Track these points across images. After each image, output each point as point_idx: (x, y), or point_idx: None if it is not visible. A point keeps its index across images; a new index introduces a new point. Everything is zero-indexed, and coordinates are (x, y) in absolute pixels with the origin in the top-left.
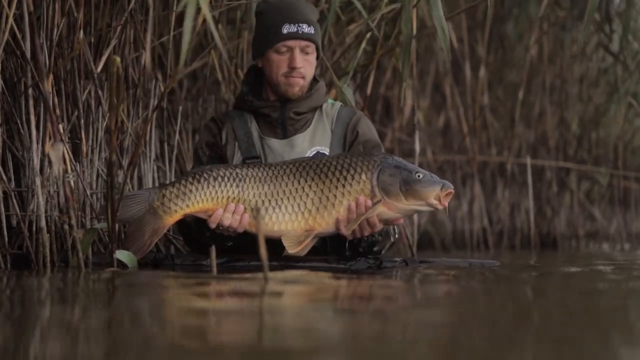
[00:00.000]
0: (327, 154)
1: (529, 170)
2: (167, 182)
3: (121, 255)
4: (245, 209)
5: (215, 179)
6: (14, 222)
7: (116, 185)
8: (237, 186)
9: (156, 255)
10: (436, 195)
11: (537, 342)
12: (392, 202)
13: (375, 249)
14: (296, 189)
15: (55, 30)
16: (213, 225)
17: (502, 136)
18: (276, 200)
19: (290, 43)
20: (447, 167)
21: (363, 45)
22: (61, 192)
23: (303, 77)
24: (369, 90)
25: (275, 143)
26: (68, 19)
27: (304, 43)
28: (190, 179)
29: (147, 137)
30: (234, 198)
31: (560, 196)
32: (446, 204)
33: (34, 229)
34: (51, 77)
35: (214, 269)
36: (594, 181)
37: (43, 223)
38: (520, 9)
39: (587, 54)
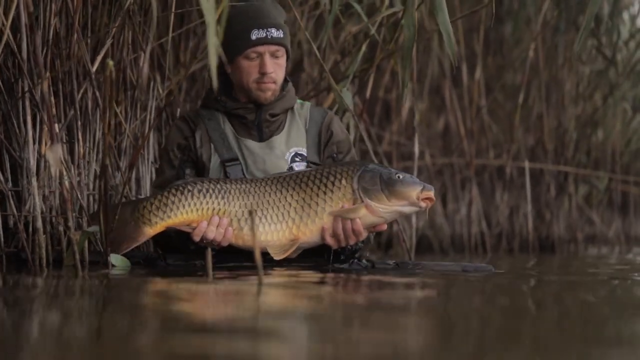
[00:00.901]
0: (305, 154)
1: (527, 173)
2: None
3: (115, 259)
4: (230, 222)
5: (200, 191)
6: (11, 223)
7: (114, 187)
8: (223, 198)
9: (149, 255)
10: (417, 194)
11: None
12: (375, 203)
13: (356, 255)
14: (279, 198)
15: (52, 30)
16: (197, 238)
17: (502, 139)
18: (261, 211)
19: (260, 49)
20: (446, 170)
21: (363, 49)
22: (57, 193)
23: (274, 82)
24: (368, 94)
25: (253, 145)
26: (66, 19)
27: (273, 48)
28: (173, 191)
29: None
30: (219, 210)
31: (558, 200)
32: (428, 205)
33: (30, 229)
34: (48, 77)
35: (210, 274)
36: (593, 185)
37: (39, 223)
38: (520, 5)
39: (582, 57)
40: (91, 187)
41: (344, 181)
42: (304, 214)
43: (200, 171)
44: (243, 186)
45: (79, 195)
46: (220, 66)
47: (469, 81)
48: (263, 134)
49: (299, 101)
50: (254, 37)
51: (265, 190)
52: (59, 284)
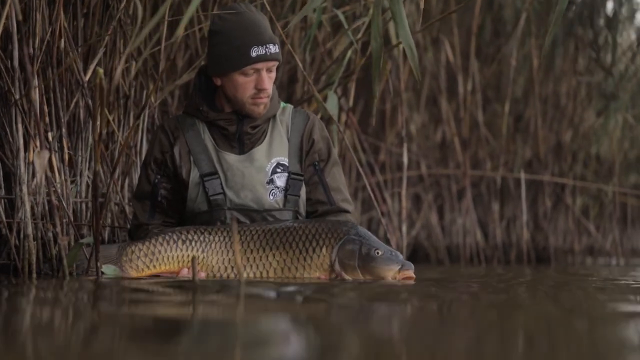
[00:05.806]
0: (287, 164)
1: (523, 185)
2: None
3: (107, 269)
4: (206, 275)
5: (183, 242)
6: (3, 230)
7: (104, 194)
8: (203, 251)
9: None
10: (393, 274)
11: None
12: (349, 278)
13: None
14: (260, 257)
15: (38, 39)
16: None
17: (498, 150)
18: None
19: (259, 65)
20: (443, 181)
21: (349, 54)
22: (45, 200)
23: (268, 96)
24: (351, 101)
25: (233, 158)
26: (59, 28)
27: (271, 64)
28: (160, 240)
29: (138, 147)
30: (199, 263)
31: (555, 211)
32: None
33: (21, 236)
34: (37, 85)
35: (195, 279)
36: (591, 197)
37: (29, 230)
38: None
39: (579, 69)
40: (83, 195)
41: (324, 250)
42: (283, 276)
43: (180, 186)
44: (227, 239)
45: (68, 202)
46: (198, 74)
47: (465, 93)
48: (244, 146)
49: (281, 104)
50: (254, 54)
51: (248, 247)
52: (49, 290)
